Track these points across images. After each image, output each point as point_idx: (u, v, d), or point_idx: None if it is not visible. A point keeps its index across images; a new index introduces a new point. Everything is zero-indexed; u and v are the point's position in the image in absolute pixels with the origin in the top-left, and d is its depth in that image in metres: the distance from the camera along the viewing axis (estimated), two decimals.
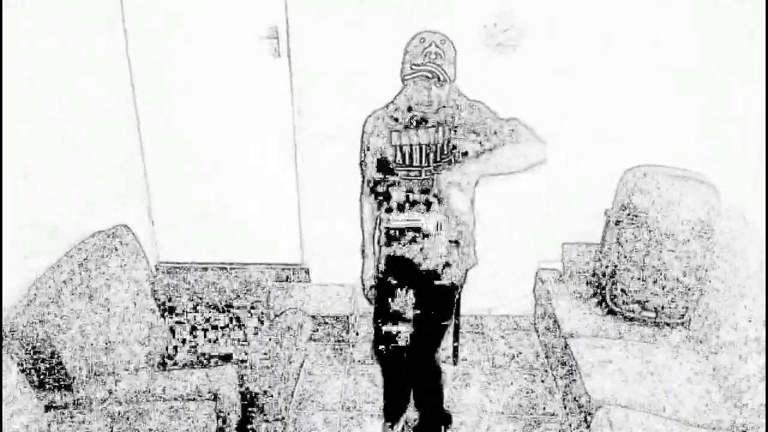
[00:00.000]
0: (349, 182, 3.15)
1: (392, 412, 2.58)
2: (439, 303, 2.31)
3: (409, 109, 2.15)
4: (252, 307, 2.64)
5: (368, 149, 2.24)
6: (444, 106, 2.12)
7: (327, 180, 3.18)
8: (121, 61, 3.02)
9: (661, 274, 2.59)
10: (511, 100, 2.86)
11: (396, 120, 2.18)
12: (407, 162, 2.16)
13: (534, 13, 2.88)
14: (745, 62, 2.80)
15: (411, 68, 2.03)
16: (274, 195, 3.26)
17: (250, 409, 2.31)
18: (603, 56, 2.93)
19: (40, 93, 2.34)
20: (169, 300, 2.60)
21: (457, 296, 2.35)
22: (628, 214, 2.63)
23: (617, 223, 2.68)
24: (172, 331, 2.57)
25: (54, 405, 2.03)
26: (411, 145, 2.15)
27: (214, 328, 2.57)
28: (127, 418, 1.97)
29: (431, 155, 2.14)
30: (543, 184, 3.10)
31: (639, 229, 2.60)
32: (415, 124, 2.15)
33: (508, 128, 2.12)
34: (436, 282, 2.26)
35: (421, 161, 2.15)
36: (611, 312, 2.74)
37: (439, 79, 2.01)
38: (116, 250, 2.40)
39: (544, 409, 2.75)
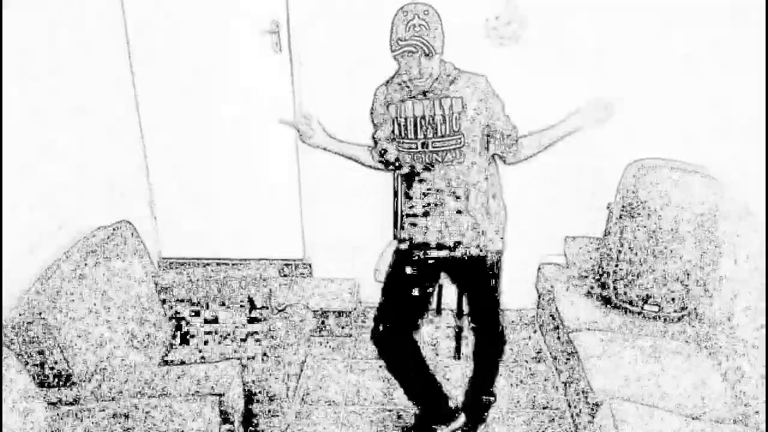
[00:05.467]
0: (351, 177, 3.16)
1: (432, 415, 2.51)
2: (482, 281, 2.34)
3: (406, 82, 2.14)
4: (254, 303, 2.64)
5: (373, 112, 2.30)
6: (437, 79, 2.11)
7: (329, 175, 3.17)
8: (121, 56, 3.01)
9: (664, 268, 2.58)
10: (513, 92, 2.85)
11: (396, 91, 2.18)
12: (403, 135, 2.16)
13: (536, 4, 2.86)
14: (750, 54, 2.78)
15: (397, 44, 2.02)
16: (276, 190, 3.26)
17: (253, 405, 2.32)
18: (606, 49, 2.91)
19: (41, 89, 2.34)
20: (172, 296, 2.60)
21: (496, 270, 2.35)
22: (631, 208, 2.62)
23: (620, 216, 2.68)
24: (175, 327, 2.57)
25: (56, 402, 2.03)
26: (406, 118, 2.14)
27: (217, 323, 2.57)
28: (130, 416, 1.97)
29: (429, 128, 2.12)
30: (545, 177, 3.08)
31: (642, 222, 2.60)
32: (411, 96, 2.14)
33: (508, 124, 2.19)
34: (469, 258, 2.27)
35: (415, 134, 2.14)
36: (614, 306, 2.74)
37: (425, 52, 2.00)
38: (118, 245, 2.40)
39: (547, 403, 2.75)
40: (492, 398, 2.59)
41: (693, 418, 2.11)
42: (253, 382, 2.32)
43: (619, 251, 2.67)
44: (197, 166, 3.24)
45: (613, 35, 2.89)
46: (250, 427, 2.34)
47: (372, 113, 2.31)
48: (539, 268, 3.20)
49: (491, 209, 2.26)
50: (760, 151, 2.66)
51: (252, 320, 2.60)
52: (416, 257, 2.30)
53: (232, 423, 2.14)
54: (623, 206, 2.67)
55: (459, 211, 2.21)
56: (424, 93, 2.12)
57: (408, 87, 2.14)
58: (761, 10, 2.68)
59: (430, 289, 2.41)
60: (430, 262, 2.30)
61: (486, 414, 2.60)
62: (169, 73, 3.08)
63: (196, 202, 3.30)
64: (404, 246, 2.33)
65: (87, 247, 2.27)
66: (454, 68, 2.16)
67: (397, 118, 2.17)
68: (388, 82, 2.24)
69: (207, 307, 2.60)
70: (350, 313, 3.14)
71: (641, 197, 2.59)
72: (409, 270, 2.34)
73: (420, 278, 2.35)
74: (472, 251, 2.26)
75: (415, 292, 2.36)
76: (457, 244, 2.25)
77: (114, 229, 2.44)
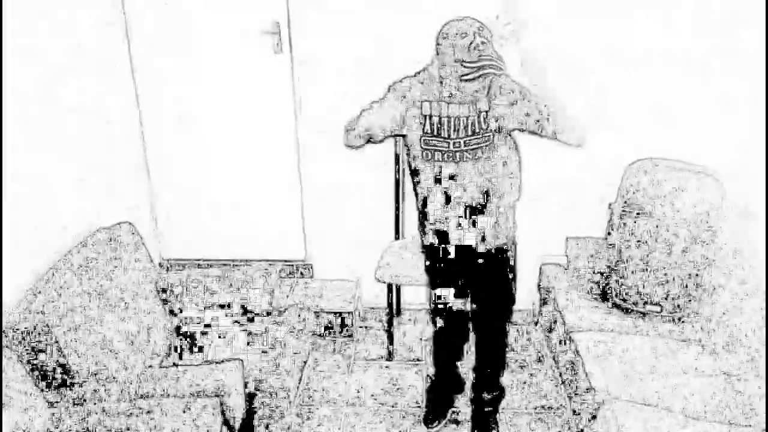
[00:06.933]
0: (353, 177, 3.16)
1: (438, 404, 2.63)
2: (490, 275, 2.36)
3: (441, 82, 2.15)
4: (255, 304, 2.63)
5: (386, 103, 2.23)
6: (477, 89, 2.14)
7: (330, 175, 3.17)
8: (122, 58, 3.01)
9: (665, 268, 2.58)
10: None
11: (429, 90, 2.18)
12: (436, 133, 2.17)
13: (536, 5, 2.85)
14: (751, 54, 2.78)
15: (464, 66, 2.06)
16: (277, 191, 3.26)
17: (254, 406, 2.31)
18: (606, 49, 2.91)
19: (42, 91, 2.34)
20: (173, 297, 2.60)
21: (510, 261, 2.37)
22: (632, 208, 2.62)
23: (621, 216, 2.68)
24: (176, 328, 2.57)
25: (57, 403, 2.03)
26: (440, 117, 2.16)
27: (218, 325, 2.57)
28: (131, 416, 1.97)
29: (462, 128, 2.14)
30: (546, 177, 3.08)
31: (643, 222, 2.59)
32: (437, 96, 2.16)
33: (544, 106, 2.16)
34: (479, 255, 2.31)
35: (449, 134, 2.15)
36: (615, 306, 2.74)
37: (499, 73, 2.06)
38: (119, 246, 2.40)
39: (548, 403, 2.75)
40: (498, 393, 2.60)
41: (694, 419, 2.10)
42: (255, 382, 2.32)
43: (620, 251, 2.67)
44: (198, 166, 3.24)
45: (614, 35, 2.88)
46: (251, 428, 2.34)
47: (394, 93, 2.24)
48: (541, 269, 3.20)
49: (511, 200, 2.31)
50: (760, 151, 2.66)
51: (253, 321, 2.60)
52: (443, 253, 2.34)
53: (233, 423, 2.14)
54: (624, 206, 2.67)
55: (483, 208, 2.25)
56: (464, 98, 2.14)
57: (442, 90, 2.15)
58: (761, 10, 2.68)
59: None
60: (455, 255, 2.33)
61: (496, 408, 2.60)
62: (169, 73, 3.08)
63: (196, 203, 3.30)
64: (432, 242, 2.36)
65: (88, 249, 2.27)
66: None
67: (430, 116, 2.17)
68: (416, 75, 2.23)
69: (208, 308, 2.60)
70: (351, 313, 3.13)
71: (642, 197, 2.59)
72: (441, 266, 2.39)
73: (455, 270, 2.39)
74: (497, 243, 2.31)
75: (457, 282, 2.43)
76: (483, 238, 2.29)
77: (115, 230, 2.44)
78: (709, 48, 2.87)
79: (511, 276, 2.41)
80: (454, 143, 2.17)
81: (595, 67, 2.93)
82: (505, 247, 2.34)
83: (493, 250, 2.32)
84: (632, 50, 2.90)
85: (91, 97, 2.69)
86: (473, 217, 2.26)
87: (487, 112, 2.14)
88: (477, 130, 2.15)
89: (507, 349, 2.56)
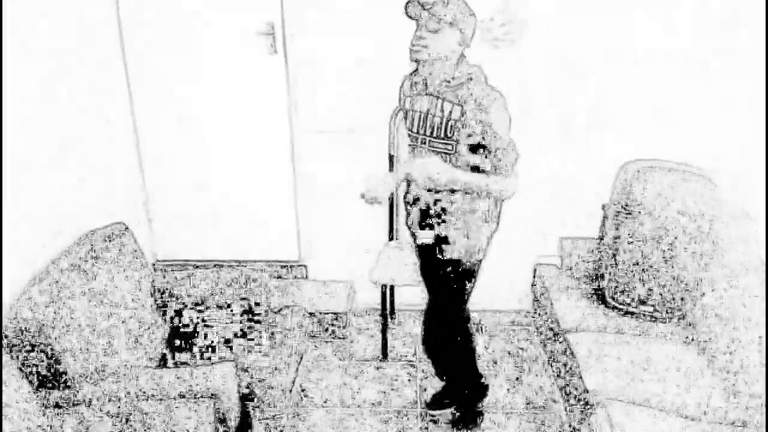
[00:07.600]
0: (347, 178, 3.16)
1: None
2: (440, 269, 2.30)
3: (425, 78, 2.14)
4: (250, 305, 2.64)
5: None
6: (451, 79, 2.09)
7: (324, 176, 3.17)
8: (116, 59, 3.01)
9: (659, 269, 2.58)
10: (507, 96, 2.85)
11: (413, 85, 2.21)
12: (409, 128, 2.19)
13: (531, 6, 2.85)
14: (750, 54, 2.78)
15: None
16: (272, 192, 3.25)
17: (249, 407, 2.32)
18: (606, 49, 2.90)
19: (42, 91, 2.35)
20: (168, 298, 2.60)
21: (464, 267, 2.27)
22: (626, 209, 2.62)
23: (615, 217, 2.67)
24: (171, 329, 2.58)
25: (53, 404, 2.03)
26: (414, 111, 2.16)
27: (213, 326, 2.58)
28: (126, 418, 1.98)
29: (428, 126, 2.11)
30: (541, 178, 3.08)
31: (637, 223, 2.59)
32: (419, 89, 2.15)
33: (502, 148, 2.05)
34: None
35: (417, 129, 2.15)
36: (610, 307, 2.73)
37: (423, 6, 1.99)
38: (114, 247, 2.40)
39: (542, 404, 2.75)
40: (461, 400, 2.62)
41: (690, 419, 2.10)
42: (249, 383, 2.32)
43: (615, 252, 2.66)
44: (193, 168, 3.24)
45: (614, 35, 2.87)
46: (246, 429, 2.35)
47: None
48: (535, 269, 3.20)
49: (473, 218, 2.21)
50: (760, 151, 2.65)
51: (248, 322, 2.60)
52: (416, 244, 2.35)
53: (228, 425, 2.15)
54: (618, 207, 2.66)
55: (445, 209, 2.20)
56: (435, 91, 2.12)
57: (425, 83, 2.14)
58: (761, 10, 2.67)
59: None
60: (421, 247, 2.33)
61: (473, 407, 2.62)
62: (164, 75, 3.07)
63: (192, 205, 3.29)
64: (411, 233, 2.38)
65: (82, 250, 2.28)
66: (470, 74, 2.11)
67: (409, 110, 2.18)
68: (411, 74, 2.25)
69: (203, 310, 2.61)
70: (346, 314, 3.14)
71: (636, 198, 2.58)
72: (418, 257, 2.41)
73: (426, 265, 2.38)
74: (452, 255, 2.24)
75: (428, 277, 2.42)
76: (437, 244, 2.24)
77: (109, 232, 2.44)
78: (709, 48, 2.86)
79: (457, 285, 2.31)
80: (420, 139, 2.15)
81: (595, 67, 2.93)
82: (463, 261, 2.24)
83: (446, 261, 2.25)
84: (632, 50, 2.89)
85: (91, 97, 2.70)
86: (429, 221, 2.22)
87: (456, 121, 2.05)
88: (441, 135, 2.08)
89: (463, 353, 2.50)
